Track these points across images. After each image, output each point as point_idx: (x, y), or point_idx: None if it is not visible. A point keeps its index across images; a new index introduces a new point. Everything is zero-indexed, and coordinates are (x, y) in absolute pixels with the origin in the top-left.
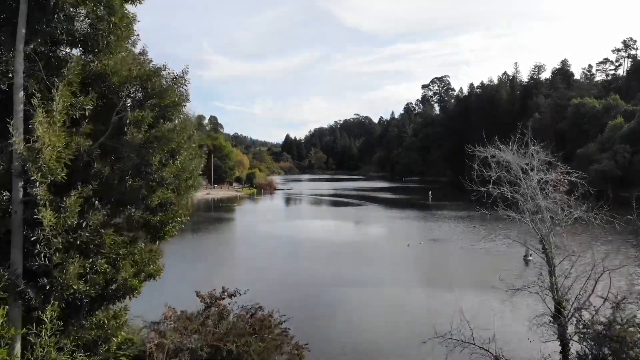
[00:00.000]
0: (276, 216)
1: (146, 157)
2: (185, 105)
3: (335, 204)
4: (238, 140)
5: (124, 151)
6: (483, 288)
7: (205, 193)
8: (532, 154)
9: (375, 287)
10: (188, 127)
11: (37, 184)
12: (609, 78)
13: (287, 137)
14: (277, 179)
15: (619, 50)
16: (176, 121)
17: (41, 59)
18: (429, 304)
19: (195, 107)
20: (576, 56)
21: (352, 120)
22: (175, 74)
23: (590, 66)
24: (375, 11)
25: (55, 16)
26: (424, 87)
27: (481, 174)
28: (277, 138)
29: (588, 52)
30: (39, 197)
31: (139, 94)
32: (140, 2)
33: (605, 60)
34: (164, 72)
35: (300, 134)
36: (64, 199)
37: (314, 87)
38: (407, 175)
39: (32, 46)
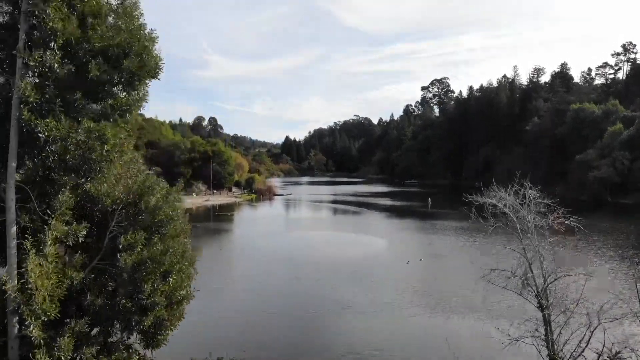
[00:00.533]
0: (275, 227)
1: (138, 282)
2: (177, 219)
3: (335, 211)
4: (237, 142)
5: (117, 276)
6: (478, 333)
7: (205, 200)
8: (529, 199)
9: (373, 313)
10: (181, 244)
11: (32, 326)
12: (608, 82)
13: (287, 138)
14: (276, 181)
15: (618, 54)
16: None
17: (33, 189)
18: (418, 334)
19: (195, 106)
20: (576, 59)
21: (351, 121)
22: (166, 188)
23: (589, 70)
24: (374, 11)
25: (47, 148)
26: (423, 89)
27: (477, 215)
28: (277, 138)
29: (588, 55)
30: (33, 338)
31: (131, 211)
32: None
33: (605, 64)
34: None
35: (299, 133)
36: (58, 338)
37: (313, 86)
38: (406, 177)
39: (23, 177)
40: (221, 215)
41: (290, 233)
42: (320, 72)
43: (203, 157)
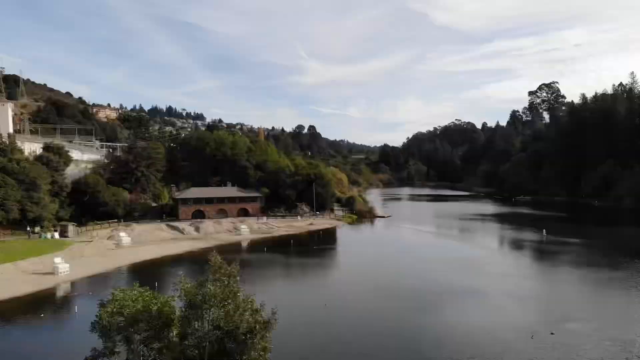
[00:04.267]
0: (379, 262)
1: None
2: None
3: (436, 247)
4: (335, 148)
5: None
6: None
7: (309, 223)
8: None
9: None
10: None
11: None
12: None
13: (384, 147)
14: (375, 194)
15: None
16: None
17: None
18: None
19: (294, 110)
20: None
21: (452, 125)
22: None
23: None
24: (467, 9)
25: None
26: (530, 94)
27: None
28: (373, 140)
29: None
30: None
31: None
32: None
33: None
34: None
35: (396, 136)
36: None
37: (409, 87)
38: (517, 193)
39: None
40: (322, 249)
41: (406, 280)
42: (416, 73)
43: (306, 179)
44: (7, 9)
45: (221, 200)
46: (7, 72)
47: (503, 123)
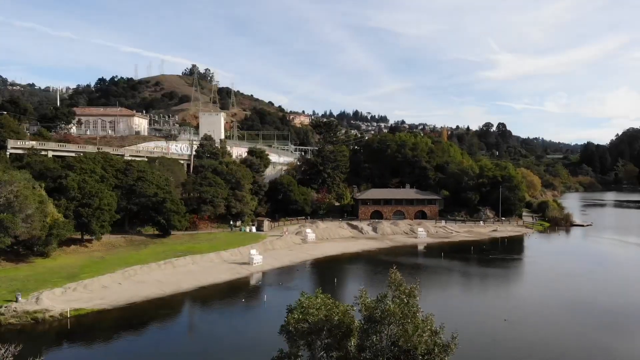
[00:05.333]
0: (571, 277)
1: None
2: None
3: None
4: (528, 147)
5: None
6: None
7: (492, 229)
8: None
9: None
10: None
11: None
12: None
13: (588, 145)
14: (573, 198)
15: None
16: None
17: None
18: None
19: (481, 108)
20: None
21: None
22: None
23: None
24: None
25: None
26: None
27: None
28: (574, 138)
29: None
30: None
31: None
32: None
33: None
34: None
35: (600, 133)
36: None
37: (619, 77)
38: None
39: None
40: (505, 259)
41: (601, 299)
42: (628, 61)
43: (492, 182)
44: (222, 30)
45: (399, 201)
46: (221, 85)
47: None
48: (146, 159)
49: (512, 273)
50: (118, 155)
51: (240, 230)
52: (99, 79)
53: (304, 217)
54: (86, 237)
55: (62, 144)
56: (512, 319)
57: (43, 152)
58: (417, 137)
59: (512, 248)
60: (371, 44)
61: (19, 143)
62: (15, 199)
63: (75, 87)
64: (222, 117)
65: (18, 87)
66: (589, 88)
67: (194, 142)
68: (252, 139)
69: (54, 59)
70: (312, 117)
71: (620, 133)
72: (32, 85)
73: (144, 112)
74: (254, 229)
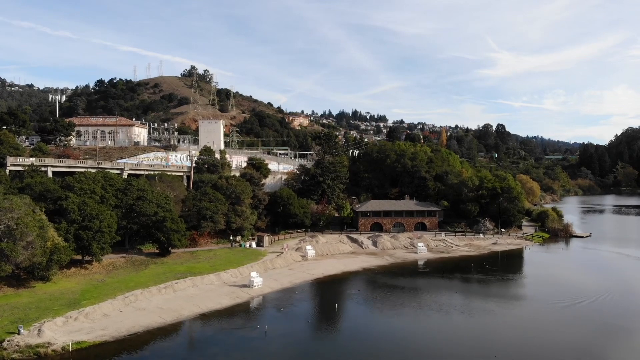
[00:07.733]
0: (575, 298)
1: None
2: None
3: None
4: (527, 148)
5: None
6: None
7: (491, 242)
8: None
9: None
10: None
11: None
12: None
13: (586, 147)
14: (572, 202)
15: None
16: None
17: None
18: None
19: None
20: None
21: None
22: None
23: None
24: None
25: None
26: None
27: None
28: (572, 136)
29: None
30: None
31: None
32: None
33: None
34: None
35: (600, 130)
36: None
37: (618, 75)
38: None
39: None
40: (504, 280)
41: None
42: (626, 58)
43: (491, 193)
44: (221, 30)
45: (399, 213)
46: (220, 85)
47: None
48: (145, 175)
49: (511, 294)
50: (117, 170)
51: (240, 246)
52: (98, 81)
53: (304, 230)
54: (86, 257)
55: (61, 159)
56: (504, 356)
57: (42, 169)
58: (416, 146)
59: (511, 264)
60: (370, 43)
61: (18, 160)
62: (17, 226)
63: (73, 88)
64: (221, 125)
65: (17, 88)
66: (588, 86)
67: (194, 155)
68: (251, 144)
69: (53, 58)
70: (312, 118)
71: (619, 133)
72: (31, 85)
73: (143, 117)
74: (253, 244)
